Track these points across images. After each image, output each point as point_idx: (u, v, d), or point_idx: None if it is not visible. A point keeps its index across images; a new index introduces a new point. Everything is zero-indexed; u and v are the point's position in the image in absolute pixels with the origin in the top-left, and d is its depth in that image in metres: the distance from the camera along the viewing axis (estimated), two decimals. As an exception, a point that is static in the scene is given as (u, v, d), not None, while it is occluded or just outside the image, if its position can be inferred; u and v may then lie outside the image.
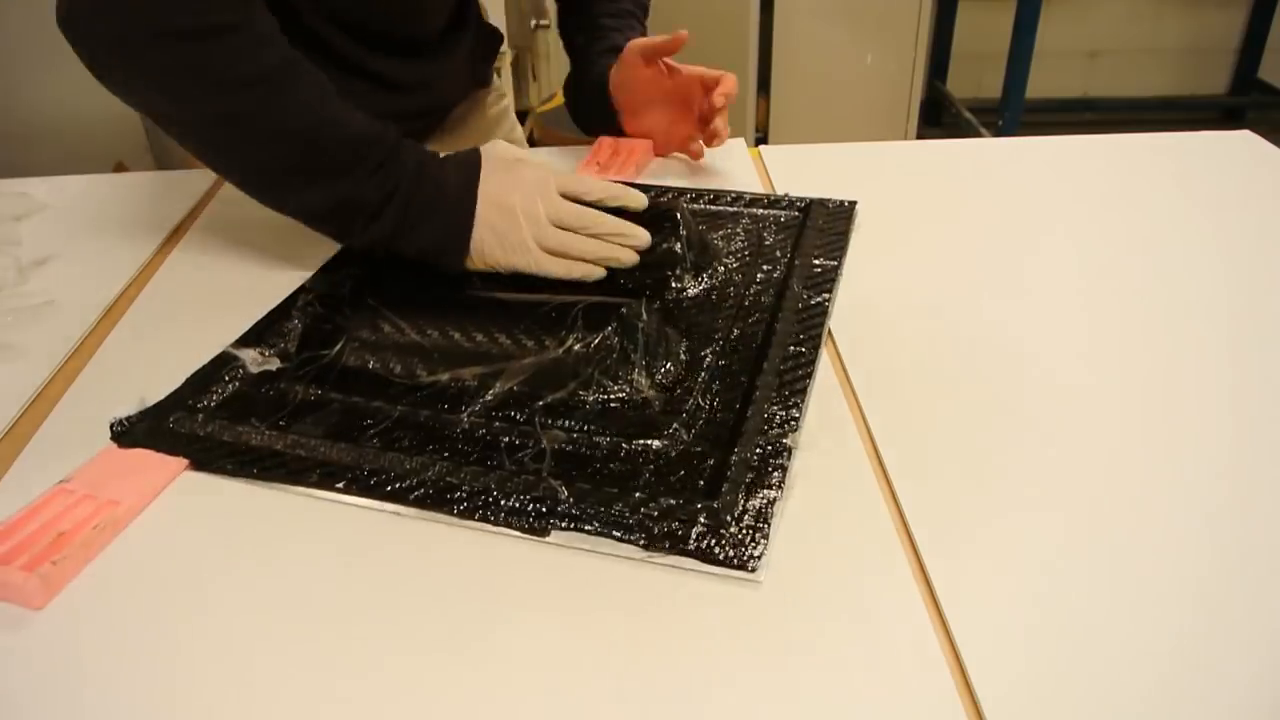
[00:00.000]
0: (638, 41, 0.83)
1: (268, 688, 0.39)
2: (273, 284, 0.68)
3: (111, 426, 0.53)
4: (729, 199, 0.76)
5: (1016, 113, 2.46)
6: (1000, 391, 0.55)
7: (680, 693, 0.38)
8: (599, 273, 0.64)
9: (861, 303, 0.63)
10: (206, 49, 0.60)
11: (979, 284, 0.66)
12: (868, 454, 0.50)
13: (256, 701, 0.38)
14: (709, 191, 0.77)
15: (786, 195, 0.76)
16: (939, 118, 2.96)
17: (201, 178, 0.87)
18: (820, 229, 0.71)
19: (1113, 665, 0.38)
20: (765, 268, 0.66)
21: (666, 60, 0.83)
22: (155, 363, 0.60)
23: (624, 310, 0.54)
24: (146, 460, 0.50)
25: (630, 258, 0.64)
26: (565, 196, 0.64)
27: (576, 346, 0.53)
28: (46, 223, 0.82)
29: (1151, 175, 0.82)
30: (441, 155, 0.67)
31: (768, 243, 0.70)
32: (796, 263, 0.66)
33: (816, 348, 0.57)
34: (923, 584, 0.42)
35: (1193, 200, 0.77)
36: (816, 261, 0.66)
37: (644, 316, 0.55)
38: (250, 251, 0.74)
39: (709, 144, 0.83)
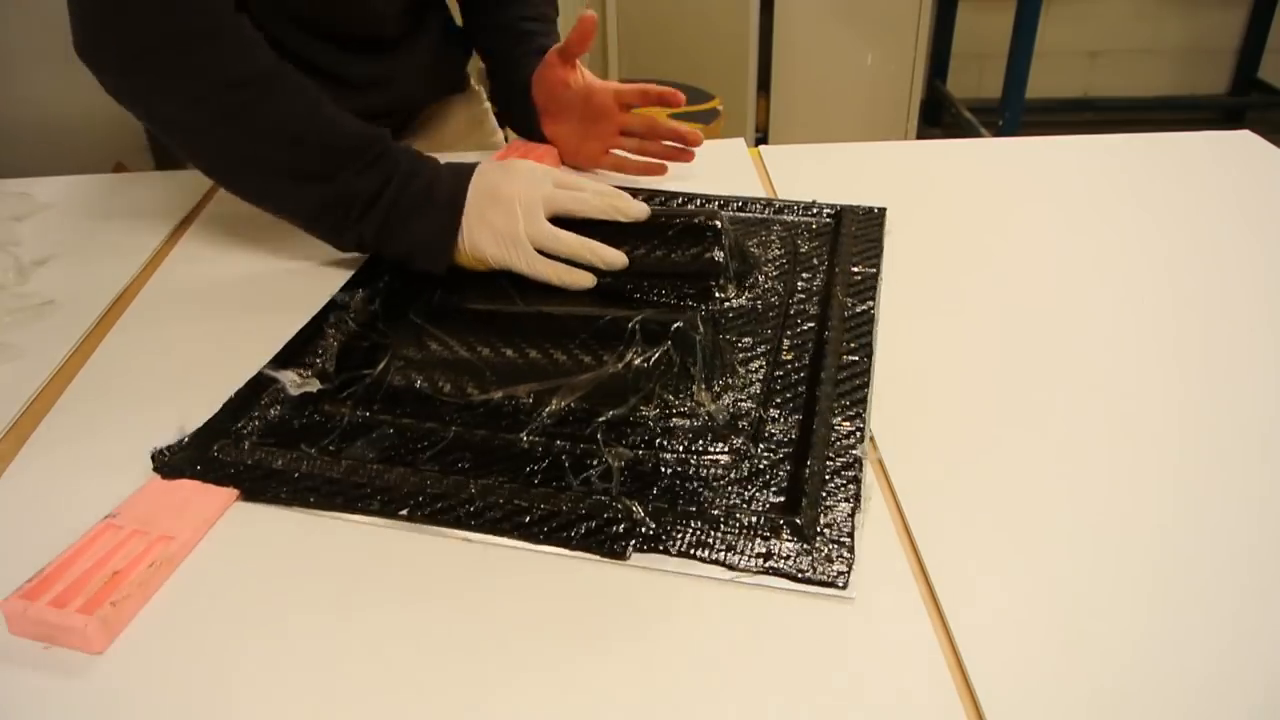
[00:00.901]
0: (558, 44, 0.83)
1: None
2: (272, 282, 0.69)
3: (153, 458, 0.50)
4: (759, 206, 0.76)
5: (1016, 113, 2.46)
6: (1002, 392, 0.54)
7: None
8: (588, 281, 0.62)
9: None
10: (191, 55, 0.62)
11: (980, 284, 0.66)
12: (870, 457, 0.50)
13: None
14: (738, 198, 0.76)
15: (815, 202, 0.75)
16: (939, 118, 2.96)
17: (201, 177, 0.87)
18: (855, 235, 0.70)
19: (1134, 695, 0.38)
20: (805, 276, 0.65)
21: (584, 72, 0.83)
22: (155, 363, 0.61)
23: (680, 324, 0.53)
24: (195, 491, 0.48)
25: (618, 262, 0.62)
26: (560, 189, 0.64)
27: (637, 361, 0.51)
28: (46, 223, 0.82)
29: (1152, 175, 0.82)
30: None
31: (804, 250, 0.69)
32: (836, 270, 0.65)
33: (870, 355, 0.56)
34: (932, 607, 0.42)
35: (1193, 200, 0.77)
36: (855, 269, 0.65)
37: (700, 329, 0.53)
38: (250, 250, 0.74)
39: (674, 159, 0.83)
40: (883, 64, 2.55)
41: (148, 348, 0.63)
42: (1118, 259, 0.68)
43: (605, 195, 0.64)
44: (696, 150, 0.83)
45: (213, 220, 0.80)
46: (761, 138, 2.62)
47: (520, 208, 0.62)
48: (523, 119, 0.88)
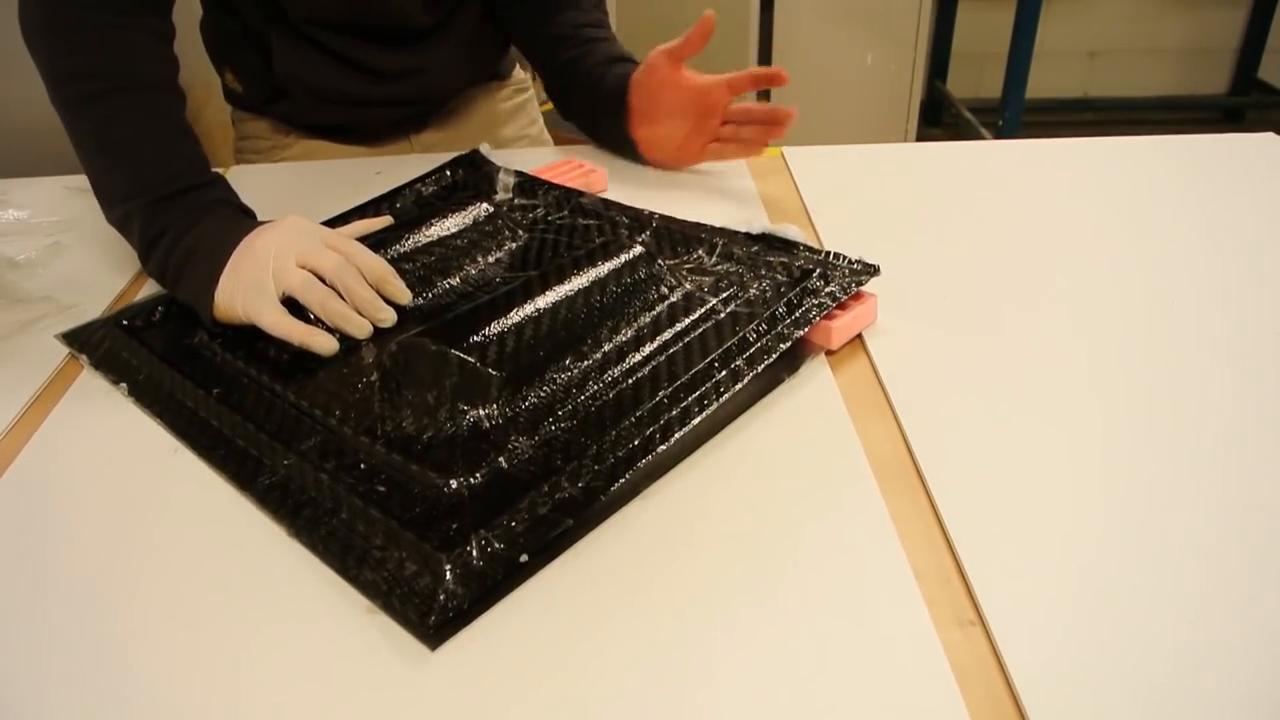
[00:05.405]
0: (664, 47, 0.80)
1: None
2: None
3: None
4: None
5: (1017, 113, 2.46)
6: (1005, 391, 0.54)
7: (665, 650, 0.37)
8: (331, 347, 0.57)
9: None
10: (51, 38, 0.67)
11: (987, 285, 0.65)
12: (872, 455, 0.49)
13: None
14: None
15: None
16: (939, 118, 2.96)
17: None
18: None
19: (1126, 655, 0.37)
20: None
21: (690, 72, 0.80)
22: (157, 362, 0.60)
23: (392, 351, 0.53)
24: None
25: (363, 333, 0.58)
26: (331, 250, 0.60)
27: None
28: (45, 223, 0.81)
29: (1177, 178, 0.81)
30: (249, 219, 0.65)
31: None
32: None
33: None
34: (969, 604, 0.42)
35: (1217, 204, 0.75)
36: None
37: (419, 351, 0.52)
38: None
39: (769, 139, 0.78)
40: (883, 64, 2.55)
41: (149, 347, 0.62)
42: (1139, 263, 0.67)
43: (354, 270, 0.59)
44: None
45: (214, 219, 0.80)
46: (761, 138, 2.62)
47: (272, 255, 0.59)
48: (605, 125, 0.85)
